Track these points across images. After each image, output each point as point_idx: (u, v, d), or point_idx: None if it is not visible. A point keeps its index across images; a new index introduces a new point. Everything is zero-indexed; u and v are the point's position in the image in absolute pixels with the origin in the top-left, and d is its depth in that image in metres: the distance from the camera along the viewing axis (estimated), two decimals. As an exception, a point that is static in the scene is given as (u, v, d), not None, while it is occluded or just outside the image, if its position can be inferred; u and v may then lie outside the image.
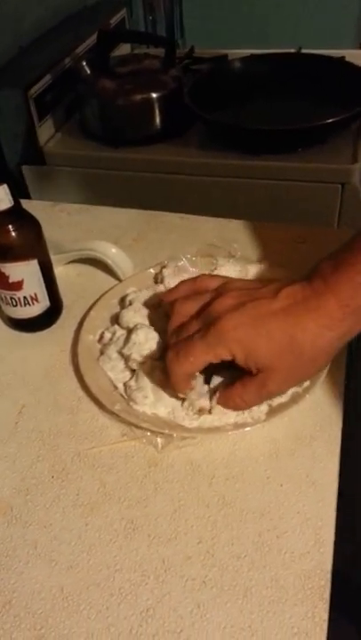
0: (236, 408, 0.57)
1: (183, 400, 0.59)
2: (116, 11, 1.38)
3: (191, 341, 0.54)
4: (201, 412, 0.58)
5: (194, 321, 0.56)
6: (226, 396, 0.57)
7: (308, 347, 0.50)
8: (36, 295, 0.69)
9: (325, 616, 0.46)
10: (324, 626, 0.45)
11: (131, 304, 0.69)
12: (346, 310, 0.49)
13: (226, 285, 0.58)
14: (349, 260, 0.49)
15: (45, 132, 1.14)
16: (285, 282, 0.54)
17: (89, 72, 1.10)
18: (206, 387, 0.59)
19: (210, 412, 0.58)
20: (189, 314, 0.57)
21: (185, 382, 0.56)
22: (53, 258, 0.72)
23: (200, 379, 0.60)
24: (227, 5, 1.78)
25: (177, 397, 0.59)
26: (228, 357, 0.53)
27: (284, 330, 0.50)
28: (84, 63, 1.10)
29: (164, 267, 0.74)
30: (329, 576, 0.48)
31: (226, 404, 0.57)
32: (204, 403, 0.58)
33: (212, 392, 0.58)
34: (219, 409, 0.58)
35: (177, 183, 1.07)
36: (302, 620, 0.46)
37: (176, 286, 0.63)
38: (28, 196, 1.18)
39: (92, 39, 1.24)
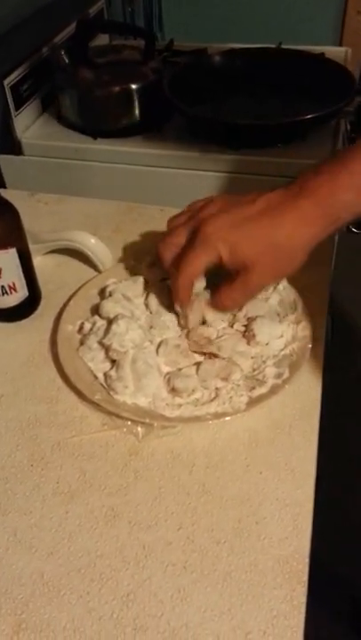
0: (225, 308, 0.63)
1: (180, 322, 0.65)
2: (95, 1, 1.37)
3: (185, 252, 0.59)
4: (194, 333, 0.64)
5: (183, 230, 0.61)
6: (215, 299, 0.62)
7: (285, 242, 0.56)
8: (14, 284, 0.68)
9: (303, 599, 0.47)
10: (302, 608, 0.47)
11: (111, 295, 0.69)
12: (321, 210, 0.54)
13: (211, 198, 0.62)
14: (327, 168, 0.54)
15: (22, 121, 1.13)
16: (265, 191, 0.58)
17: (67, 62, 1.09)
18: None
19: (204, 322, 0.65)
20: (180, 226, 0.62)
21: (187, 292, 0.62)
22: (32, 247, 0.72)
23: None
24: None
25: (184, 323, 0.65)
26: (216, 258, 0.57)
27: (263, 228, 0.56)
28: (63, 53, 1.09)
29: (144, 258, 0.74)
30: (307, 560, 0.49)
31: (216, 306, 0.63)
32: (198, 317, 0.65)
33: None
34: (212, 316, 0.64)
35: (156, 175, 1.07)
36: (281, 602, 0.47)
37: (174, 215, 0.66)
38: (4, 186, 1.16)
39: (71, 29, 1.22)
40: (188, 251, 0.59)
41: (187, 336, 0.65)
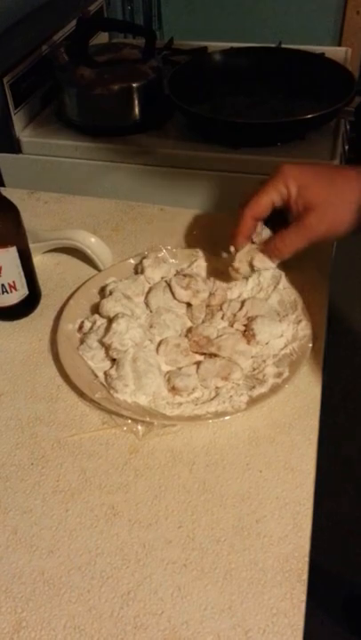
0: (278, 251, 0.65)
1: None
2: (94, -1, 1.37)
3: (256, 190, 0.64)
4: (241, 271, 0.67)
5: None
6: (269, 243, 0.65)
7: (347, 193, 0.61)
8: (14, 283, 0.68)
9: (303, 597, 0.47)
10: (302, 606, 0.47)
11: (111, 294, 0.69)
12: None
13: None
14: None
15: (22, 119, 1.12)
16: None
17: (67, 60, 1.09)
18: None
19: (252, 265, 0.66)
20: None
21: (249, 228, 0.65)
22: (32, 246, 0.72)
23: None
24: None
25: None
26: (284, 195, 0.62)
27: (330, 176, 0.62)
28: (62, 51, 1.09)
29: (144, 257, 0.74)
30: (307, 559, 0.49)
31: (269, 249, 0.65)
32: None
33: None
34: (260, 263, 0.65)
35: (155, 174, 1.07)
36: (281, 601, 0.47)
37: None
38: (3, 185, 1.16)
39: (70, 27, 1.22)
40: (259, 188, 0.64)
41: (187, 335, 0.66)
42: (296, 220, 0.63)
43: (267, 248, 0.65)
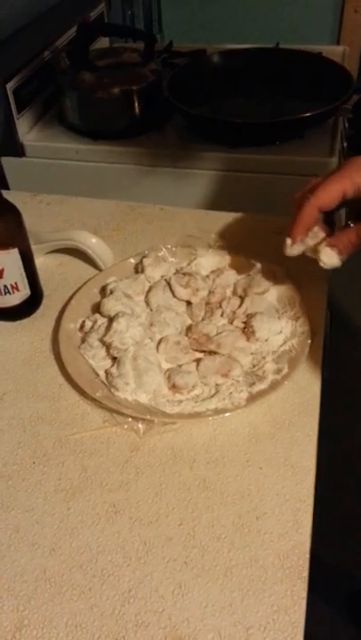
0: (346, 247, 0.58)
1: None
2: (95, 4, 1.38)
3: (322, 180, 0.58)
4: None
5: None
6: (338, 236, 0.58)
7: None
8: (16, 284, 0.69)
9: (304, 594, 0.47)
10: (303, 603, 0.47)
11: (112, 293, 0.69)
12: None
13: None
14: None
15: (25, 123, 1.13)
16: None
17: (68, 65, 1.10)
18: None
19: (318, 254, 0.59)
20: None
21: (310, 219, 0.58)
22: (34, 247, 0.72)
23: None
24: (205, 1, 1.79)
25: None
26: (353, 189, 0.56)
27: None
28: (64, 56, 1.10)
29: (144, 256, 0.75)
30: (307, 555, 0.49)
31: (337, 243, 0.58)
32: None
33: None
34: (327, 254, 0.58)
35: (156, 175, 1.07)
36: (282, 598, 0.47)
37: None
38: (7, 188, 1.17)
39: (72, 32, 1.23)
40: (325, 179, 0.58)
41: (187, 333, 0.66)
42: None
43: (332, 241, 0.59)
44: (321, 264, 0.59)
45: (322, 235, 0.60)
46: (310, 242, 0.60)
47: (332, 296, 0.72)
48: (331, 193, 0.57)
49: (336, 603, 1.26)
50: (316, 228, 0.60)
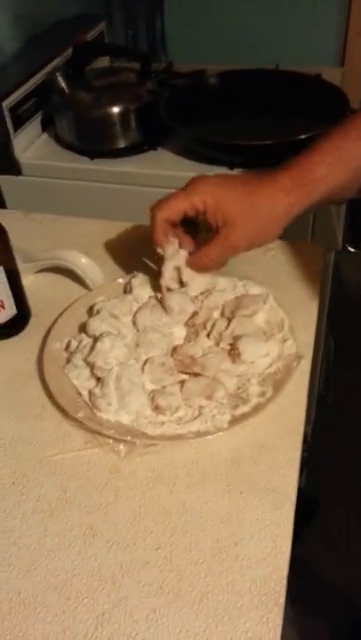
0: (202, 265, 0.67)
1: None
2: (95, 24, 1.40)
3: (171, 194, 0.65)
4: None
5: None
6: (193, 256, 0.67)
7: (264, 209, 0.63)
8: (2, 302, 0.69)
9: (280, 621, 0.47)
10: (278, 630, 0.46)
11: (98, 312, 0.69)
12: (296, 182, 0.62)
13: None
14: (305, 155, 0.64)
15: (21, 142, 1.14)
16: None
17: (64, 84, 1.11)
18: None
19: (181, 282, 0.68)
20: None
21: (162, 229, 0.66)
22: (23, 266, 0.73)
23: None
24: (209, 21, 1.81)
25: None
26: (200, 207, 0.63)
27: (245, 193, 0.63)
28: (60, 75, 1.11)
29: (133, 277, 0.75)
30: (285, 582, 0.49)
31: (194, 263, 0.67)
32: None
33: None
34: (188, 276, 0.68)
35: (152, 196, 1.07)
36: (257, 625, 0.46)
37: None
38: (4, 206, 1.18)
39: (69, 52, 1.25)
40: (176, 193, 0.65)
41: (172, 354, 0.66)
42: (218, 234, 0.64)
43: (192, 262, 0.68)
44: (185, 283, 0.69)
45: (175, 241, 0.68)
46: (168, 250, 0.68)
47: (335, 322, 0.73)
48: (172, 209, 0.65)
49: (342, 633, 1.23)
50: (170, 236, 0.67)
